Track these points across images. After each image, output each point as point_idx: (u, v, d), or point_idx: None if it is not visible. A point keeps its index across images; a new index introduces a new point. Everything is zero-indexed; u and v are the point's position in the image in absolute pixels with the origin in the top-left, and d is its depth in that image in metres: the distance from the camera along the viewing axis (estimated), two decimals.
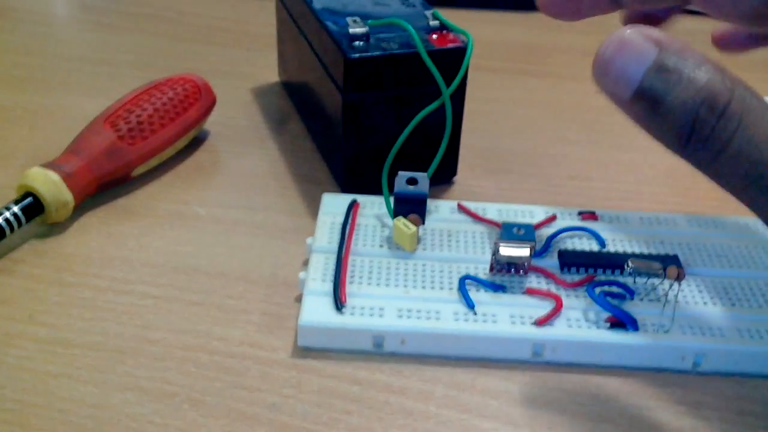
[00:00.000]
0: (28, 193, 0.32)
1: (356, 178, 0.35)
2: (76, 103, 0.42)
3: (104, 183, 0.34)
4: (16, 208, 0.31)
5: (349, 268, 0.30)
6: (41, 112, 0.41)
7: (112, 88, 0.42)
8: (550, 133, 0.42)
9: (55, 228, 0.33)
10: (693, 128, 0.21)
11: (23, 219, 0.31)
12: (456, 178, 0.38)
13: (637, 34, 0.21)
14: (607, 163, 0.40)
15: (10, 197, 0.32)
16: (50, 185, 0.32)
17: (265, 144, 0.40)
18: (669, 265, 0.29)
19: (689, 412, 0.26)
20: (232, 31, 0.52)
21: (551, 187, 0.38)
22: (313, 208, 0.34)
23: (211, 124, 0.41)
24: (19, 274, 0.31)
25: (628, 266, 0.30)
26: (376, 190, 0.33)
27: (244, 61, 0.48)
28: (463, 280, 0.29)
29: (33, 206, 0.32)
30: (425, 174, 0.31)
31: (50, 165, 0.33)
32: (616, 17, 0.31)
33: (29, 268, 0.31)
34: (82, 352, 0.27)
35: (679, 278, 0.29)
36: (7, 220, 0.31)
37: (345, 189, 0.35)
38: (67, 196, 0.32)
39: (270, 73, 0.46)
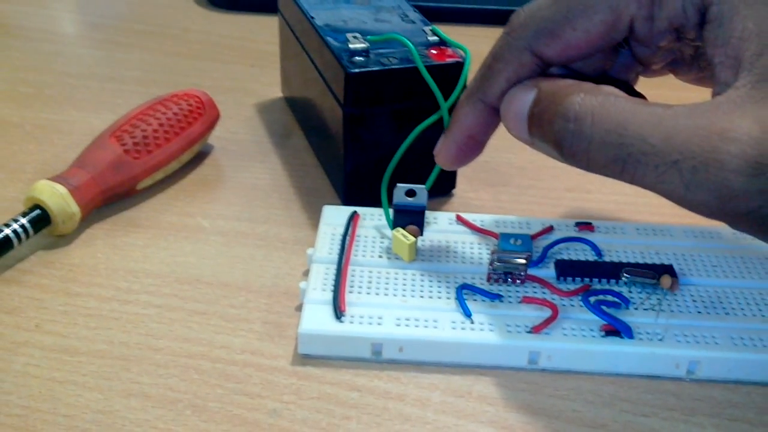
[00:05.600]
0: (36, 206, 0.33)
1: (357, 191, 0.36)
2: (83, 118, 0.43)
3: (110, 196, 0.35)
4: (24, 220, 0.32)
5: (349, 278, 0.30)
6: (49, 128, 0.42)
7: (118, 104, 0.43)
8: None
9: (62, 239, 0.34)
10: (561, 138, 0.25)
11: (31, 231, 0.32)
12: (455, 191, 0.38)
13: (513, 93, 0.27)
14: None
15: (19, 210, 0.33)
16: (57, 198, 0.33)
17: (268, 158, 0.41)
18: (663, 274, 0.30)
19: (683, 418, 0.27)
20: (236, 48, 0.53)
21: (549, 199, 0.38)
22: (315, 220, 0.35)
23: (215, 138, 0.41)
24: (27, 284, 0.31)
25: (623, 276, 0.30)
26: (376, 203, 0.34)
27: (247, 78, 0.49)
28: (460, 290, 0.30)
29: (40, 218, 0.33)
30: (423, 186, 0.32)
31: (57, 178, 0.34)
32: None
33: (36, 279, 0.32)
34: (87, 359, 0.28)
35: (672, 287, 0.29)
36: (15, 231, 0.32)
37: (346, 201, 0.36)
38: (74, 208, 0.33)
39: (273, 89, 0.47)
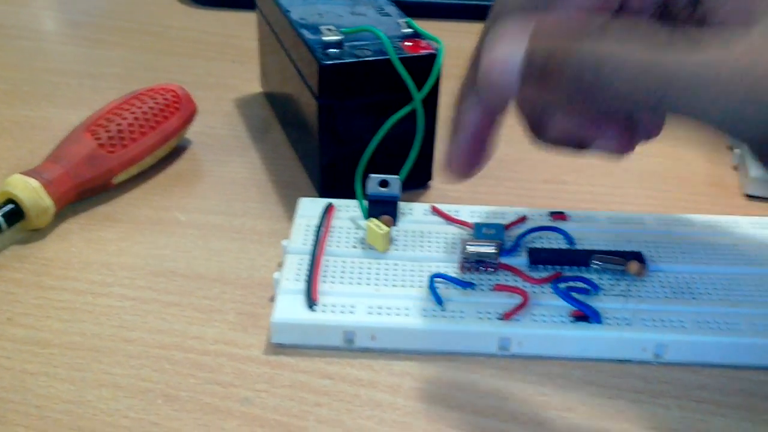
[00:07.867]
0: (9, 200, 0.33)
1: (333, 183, 0.36)
2: (61, 115, 0.43)
3: (85, 190, 0.35)
4: None
5: (323, 268, 0.31)
6: (26, 124, 0.42)
7: (96, 100, 0.43)
8: (524, 138, 0.43)
9: (36, 234, 0.34)
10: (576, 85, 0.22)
11: (4, 225, 0.32)
12: (431, 183, 0.38)
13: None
14: (580, 167, 0.40)
15: None
16: (30, 192, 0.33)
17: (246, 152, 0.41)
18: (631, 260, 0.30)
19: (650, 400, 0.27)
20: (217, 44, 0.53)
21: (526, 190, 0.39)
22: (291, 212, 0.35)
23: (193, 133, 0.41)
24: (0, 278, 0.31)
25: (592, 263, 0.30)
26: (353, 194, 0.34)
27: (227, 73, 0.49)
28: (432, 278, 0.30)
29: (14, 212, 0.33)
30: (397, 176, 0.32)
31: (30, 172, 0.34)
32: None
33: (9, 273, 0.32)
34: (59, 351, 0.28)
35: (640, 273, 0.30)
36: None
37: (323, 194, 0.36)
38: (47, 202, 0.33)
39: (253, 85, 0.47)
